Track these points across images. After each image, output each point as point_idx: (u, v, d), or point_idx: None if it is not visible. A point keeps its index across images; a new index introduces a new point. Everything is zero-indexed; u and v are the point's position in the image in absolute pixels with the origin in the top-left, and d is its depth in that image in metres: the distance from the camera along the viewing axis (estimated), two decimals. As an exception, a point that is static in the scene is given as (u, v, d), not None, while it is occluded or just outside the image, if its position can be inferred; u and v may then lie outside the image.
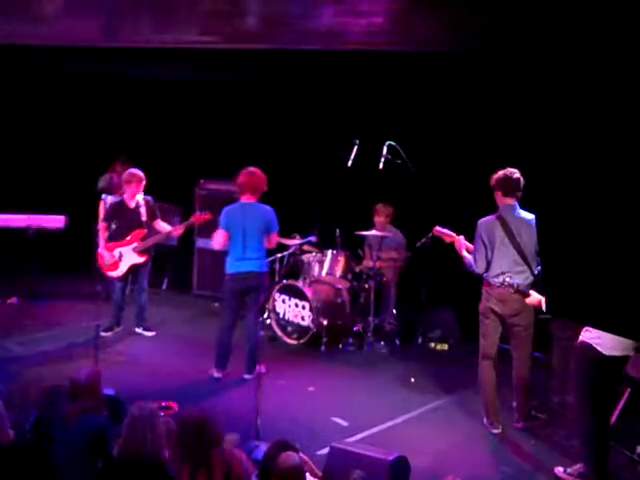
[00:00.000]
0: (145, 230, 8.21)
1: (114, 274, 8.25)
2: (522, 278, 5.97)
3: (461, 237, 6.47)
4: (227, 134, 10.50)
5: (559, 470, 5.57)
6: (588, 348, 5.27)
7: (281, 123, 10.18)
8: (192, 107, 10.74)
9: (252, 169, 7.26)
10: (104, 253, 8.19)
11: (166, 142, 10.68)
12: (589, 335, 5.26)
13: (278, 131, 10.18)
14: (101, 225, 8.40)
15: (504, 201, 6.13)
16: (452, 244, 6.55)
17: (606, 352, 5.21)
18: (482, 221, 6.19)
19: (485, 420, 6.32)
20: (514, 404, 6.41)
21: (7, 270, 9.84)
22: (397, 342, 8.42)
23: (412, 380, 7.39)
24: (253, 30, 4.71)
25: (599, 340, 5.20)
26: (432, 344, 8.41)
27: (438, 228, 6.70)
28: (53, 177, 10.63)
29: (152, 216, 8.28)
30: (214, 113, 10.60)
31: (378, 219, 8.75)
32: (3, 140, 10.68)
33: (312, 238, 8.70)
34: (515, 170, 6.08)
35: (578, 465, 5.49)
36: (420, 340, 8.48)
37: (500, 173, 6.12)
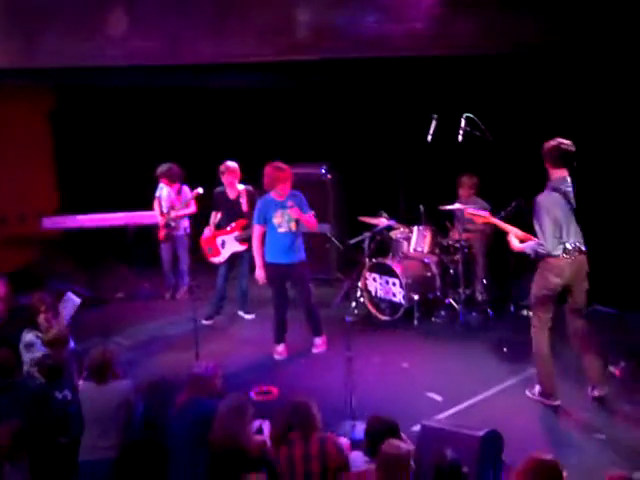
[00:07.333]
0: (246, 220, 8.50)
1: (216, 260, 8.77)
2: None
3: None
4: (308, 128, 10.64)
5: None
6: None
7: (362, 107, 10.21)
8: (260, 114, 10.91)
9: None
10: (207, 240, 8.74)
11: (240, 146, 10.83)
12: None
13: (360, 112, 10.23)
14: (212, 215, 8.84)
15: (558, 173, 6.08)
16: None
17: None
18: (541, 198, 6.06)
19: (541, 391, 6.36)
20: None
21: (109, 269, 10.41)
22: (490, 312, 8.45)
23: (505, 350, 7.44)
24: (303, 41, 4.83)
25: None
26: (525, 311, 8.38)
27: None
28: (147, 176, 11.06)
29: (253, 206, 8.34)
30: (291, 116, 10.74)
31: (462, 191, 8.76)
32: (106, 148, 11.50)
33: (392, 222, 8.82)
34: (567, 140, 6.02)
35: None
36: (512, 308, 8.50)
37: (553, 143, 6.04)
